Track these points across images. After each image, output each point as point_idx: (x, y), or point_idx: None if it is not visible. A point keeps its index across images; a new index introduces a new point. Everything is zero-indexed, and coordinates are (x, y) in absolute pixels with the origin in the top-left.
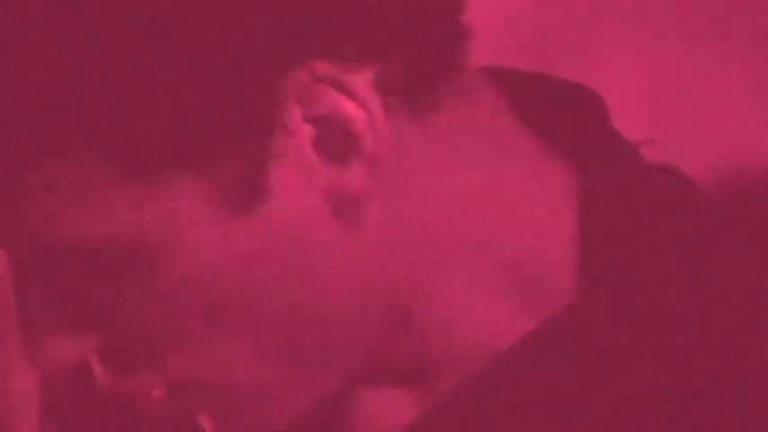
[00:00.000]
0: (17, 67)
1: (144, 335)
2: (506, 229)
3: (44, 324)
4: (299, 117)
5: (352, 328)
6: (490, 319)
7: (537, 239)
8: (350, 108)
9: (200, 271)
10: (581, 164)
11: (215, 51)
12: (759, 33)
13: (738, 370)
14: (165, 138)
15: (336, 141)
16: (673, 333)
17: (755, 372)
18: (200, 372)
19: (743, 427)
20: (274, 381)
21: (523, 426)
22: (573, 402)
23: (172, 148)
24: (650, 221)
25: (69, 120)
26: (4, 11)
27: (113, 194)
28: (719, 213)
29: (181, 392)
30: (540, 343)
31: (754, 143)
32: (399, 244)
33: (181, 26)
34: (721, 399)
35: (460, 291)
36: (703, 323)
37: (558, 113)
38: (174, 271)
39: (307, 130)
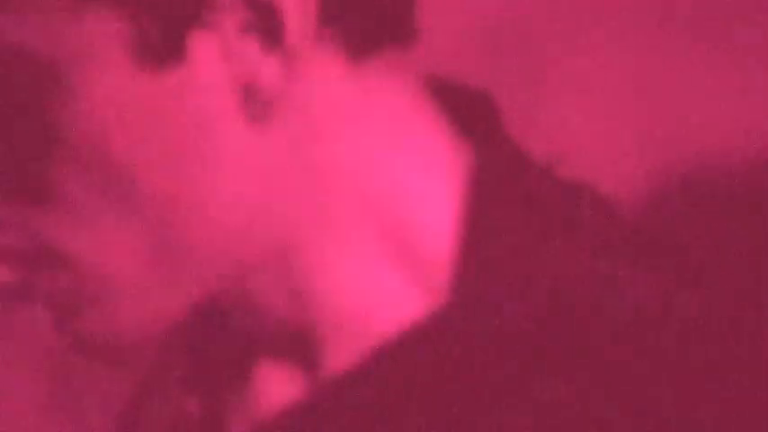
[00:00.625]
0: None
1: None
2: (392, 198)
3: None
4: None
5: (229, 246)
6: (376, 291)
7: (420, 211)
8: None
9: (100, 122)
10: (472, 149)
11: None
12: (750, 33)
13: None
14: None
15: (261, 28)
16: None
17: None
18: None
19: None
20: (142, 276)
21: (415, 408)
22: (464, 386)
23: None
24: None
25: None
26: None
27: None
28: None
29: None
30: (427, 326)
31: (742, 142)
32: (291, 182)
33: None
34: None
35: (343, 254)
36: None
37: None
38: (76, 114)
39: (236, 10)
